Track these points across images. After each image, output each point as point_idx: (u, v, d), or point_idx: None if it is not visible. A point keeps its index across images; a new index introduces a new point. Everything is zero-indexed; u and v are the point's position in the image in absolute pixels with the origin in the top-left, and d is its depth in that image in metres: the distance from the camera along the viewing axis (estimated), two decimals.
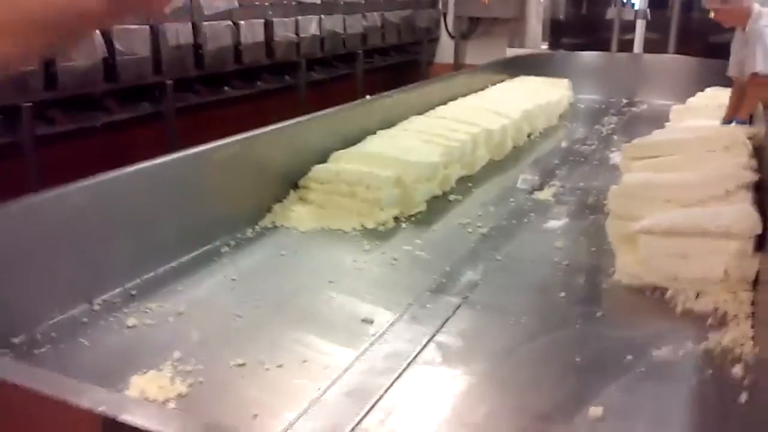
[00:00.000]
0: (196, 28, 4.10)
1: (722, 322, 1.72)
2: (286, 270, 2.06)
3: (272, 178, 2.55)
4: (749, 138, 2.66)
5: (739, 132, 2.61)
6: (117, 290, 1.84)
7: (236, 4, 4.45)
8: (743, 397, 1.40)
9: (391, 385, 1.46)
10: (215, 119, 4.29)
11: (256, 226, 2.38)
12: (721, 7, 3.32)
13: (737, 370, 1.48)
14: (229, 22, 4.40)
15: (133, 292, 1.84)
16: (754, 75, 3.14)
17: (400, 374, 1.50)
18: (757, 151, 2.58)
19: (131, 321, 1.69)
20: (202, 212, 2.18)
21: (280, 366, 1.52)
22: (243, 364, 1.52)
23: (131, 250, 1.92)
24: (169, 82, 3.84)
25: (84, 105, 3.51)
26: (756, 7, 3.37)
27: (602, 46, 6.07)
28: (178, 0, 3.86)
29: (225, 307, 1.80)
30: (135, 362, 1.50)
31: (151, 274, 1.95)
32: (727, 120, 3.33)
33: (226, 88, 4.57)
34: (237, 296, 1.87)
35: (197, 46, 4.12)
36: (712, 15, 3.54)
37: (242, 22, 4.50)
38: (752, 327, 1.66)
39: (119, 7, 1.02)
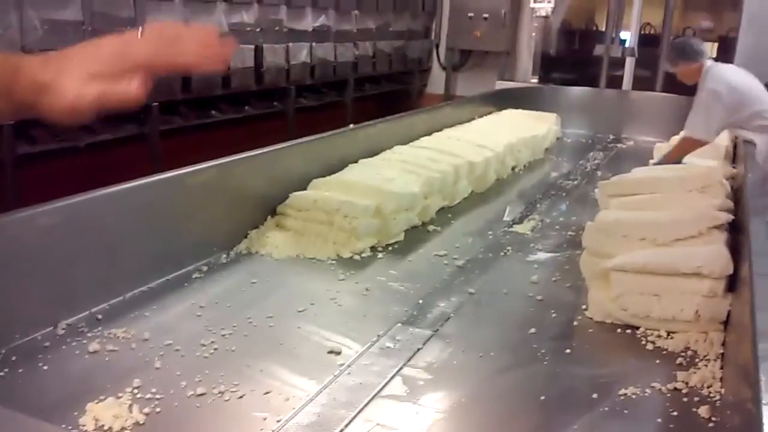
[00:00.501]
0: None
1: (692, 362, 1.71)
2: (256, 298, 2.04)
3: (250, 204, 2.54)
4: (728, 179, 2.68)
5: (717, 172, 2.62)
6: (83, 314, 1.82)
7: (226, 29, 4.48)
8: None
9: (353, 418, 1.44)
10: (202, 143, 4.29)
11: (231, 252, 2.36)
12: (674, 70, 3.65)
13: (703, 411, 1.47)
14: None
15: (99, 317, 1.82)
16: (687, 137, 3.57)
17: (363, 407, 1.48)
18: (735, 192, 2.60)
19: (93, 346, 1.67)
20: (175, 237, 2.17)
21: (241, 397, 1.50)
22: (203, 394, 1.50)
23: (100, 274, 1.90)
24: (154, 104, 3.85)
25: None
26: (707, 64, 3.57)
27: (591, 81, 6.14)
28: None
29: (191, 334, 1.78)
30: (93, 389, 1.48)
31: (119, 298, 1.93)
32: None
33: (213, 112, 4.58)
34: (204, 324, 1.84)
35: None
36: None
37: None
38: (721, 368, 1.65)
39: (167, 58, 1.10)
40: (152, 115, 3.85)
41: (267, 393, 1.52)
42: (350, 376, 1.61)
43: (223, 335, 1.78)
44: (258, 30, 4.74)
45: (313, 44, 5.33)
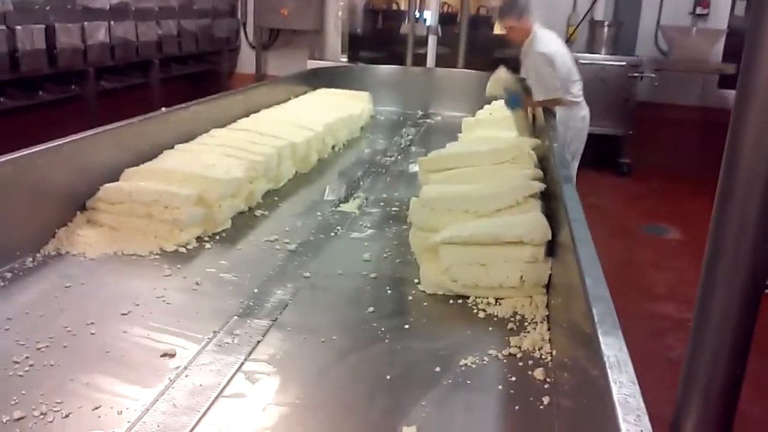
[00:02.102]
0: None
1: (521, 326, 1.81)
2: (72, 303, 1.85)
3: (55, 200, 2.30)
4: (533, 149, 2.87)
5: (524, 144, 2.81)
6: None
7: (11, 6, 4.01)
8: (546, 399, 1.47)
9: (197, 423, 1.36)
10: None
11: (38, 255, 2.13)
12: (514, 25, 3.71)
13: (538, 373, 1.57)
14: (3, 27, 3.96)
15: None
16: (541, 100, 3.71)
17: (206, 411, 1.40)
18: (542, 162, 2.79)
19: None
20: None
21: (66, 416, 1.35)
22: (21, 418, 1.34)
23: None
24: None
25: None
26: (536, 29, 3.76)
27: (398, 59, 6.30)
28: None
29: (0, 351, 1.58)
30: None
31: None
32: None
33: (1, 99, 4.10)
34: (14, 338, 1.64)
35: None
36: (502, 32, 3.89)
37: (18, 27, 4.06)
38: (548, 330, 1.76)
39: None
40: None
41: (96, 408, 1.39)
42: (188, 378, 1.52)
43: (38, 349, 1.60)
44: (48, 8, 4.30)
45: (112, 23, 4.95)
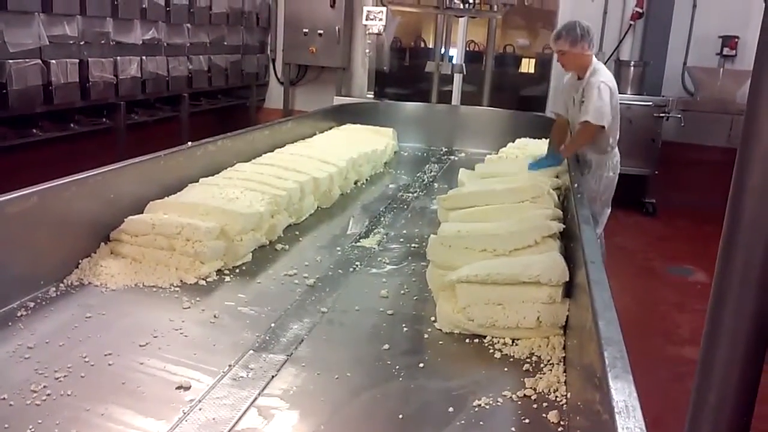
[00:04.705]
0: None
1: (537, 367, 1.80)
2: (92, 334, 1.87)
3: (79, 231, 2.35)
4: (554, 189, 2.87)
5: (544, 184, 2.81)
6: None
7: (46, 41, 4.15)
8: None
9: None
10: (22, 164, 3.94)
11: (61, 285, 2.17)
12: (568, 50, 3.68)
13: (552, 416, 1.55)
14: (38, 61, 4.09)
15: None
16: (585, 122, 3.66)
17: None
18: (562, 202, 2.79)
19: None
20: None
21: None
22: None
23: None
24: None
25: None
26: (594, 60, 3.76)
27: (424, 97, 6.37)
28: None
29: (19, 380, 1.60)
30: None
31: None
32: (558, 153, 3.73)
33: (34, 130, 4.22)
34: (33, 367, 1.67)
35: (1, 86, 3.78)
36: (556, 57, 3.89)
37: (53, 61, 4.20)
38: (564, 372, 1.75)
39: None
40: None
41: None
42: (202, 411, 1.53)
43: (56, 378, 1.62)
44: (82, 43, 4.44)
45: (144, 58, 5.09)
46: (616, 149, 4.03)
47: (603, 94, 3.65)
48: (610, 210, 4.17)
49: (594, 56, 3.85)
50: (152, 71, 5.23)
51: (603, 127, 3.68)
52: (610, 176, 4.02)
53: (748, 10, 6.28)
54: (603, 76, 3.75)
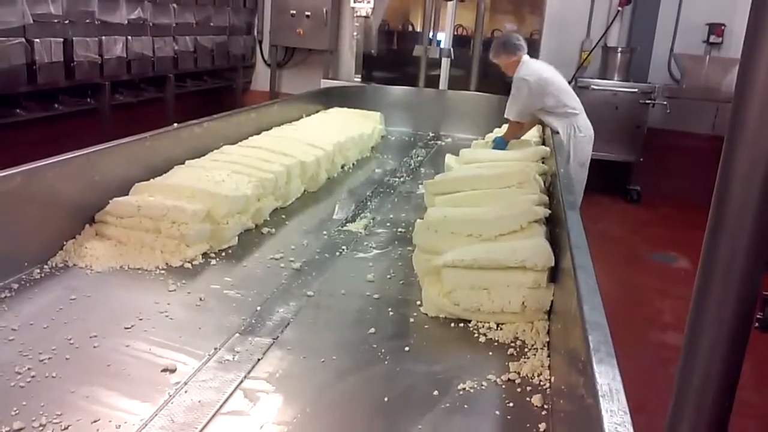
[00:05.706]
0: None
1: (521, 351, 1.81)
2: (76, 316, 1.87)
3: (64, 213, 2.33)
4: (540, 175, 2.88)
5: (530, 169, 2.81)
6: None
7: (30, 20, 4.09)
8: (542, 426, 1.47)
9: None
10: (5, 144, 3.89)
11: (45, 266, 2.16)
12: (497, 61, 4.02)
13: (536, 400, 1.56)
14: (22, 40, 4.03)
15: None
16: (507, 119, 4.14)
17: (204, 427, 1.41)
18: (548, 187, 2.80)
19: None
20: None
21: (65, 429, 1.37)
22: (20, 429, 1.35)
23: None
24: None
25: None
26: (524, 59, 3.99)
27: (412, 81, 6.35)
28: None
29: (3, 361, 1.59)
30: None
31: None
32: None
33: (17, 110, 4.16)
34: (17, 348, 1.66)
35: None
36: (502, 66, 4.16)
37: (37, 40, 4.14)
38: (548, 356, 1.76)
39: None
40: None
41: (95, 421, 1.40)
42: (187, 394, 1.53)
43: (41, 360, 1.61)
44: (66, 22, 4.37)
45: (129, 38, 5.03)
46: (582, 113, 4.14)
47: (515, 90, 4.11)
48: (587, 173, 4.29)
49: (525, 54, 4.21)
50: (138, 51, 5.17)
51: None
52: (579, 136, 4.15)
53: None
54: (523, 71, 4.13)
